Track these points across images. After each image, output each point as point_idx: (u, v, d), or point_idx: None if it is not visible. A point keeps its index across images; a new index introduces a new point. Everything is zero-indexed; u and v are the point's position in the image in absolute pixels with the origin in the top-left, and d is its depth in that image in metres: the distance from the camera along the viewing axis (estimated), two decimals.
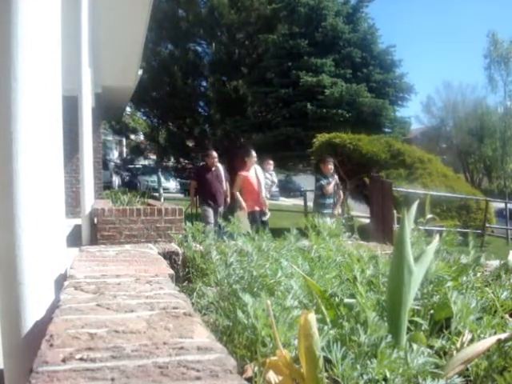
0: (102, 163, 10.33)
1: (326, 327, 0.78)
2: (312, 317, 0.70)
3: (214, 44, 20.68)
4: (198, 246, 1.53)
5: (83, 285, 0.97)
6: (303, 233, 1.71)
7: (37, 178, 1.00)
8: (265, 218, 7.10)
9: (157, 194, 16.46)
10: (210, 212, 7.05)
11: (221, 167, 7.59)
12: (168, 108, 20.47)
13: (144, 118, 25.52)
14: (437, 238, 0.99)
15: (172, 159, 24.85)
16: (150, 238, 4.71)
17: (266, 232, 1.52)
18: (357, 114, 16.23)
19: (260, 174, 7.22)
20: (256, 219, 6.82)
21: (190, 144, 22.38)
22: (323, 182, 7.09)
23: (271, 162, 8.30)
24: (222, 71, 19.90)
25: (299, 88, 16.64)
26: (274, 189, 9.03)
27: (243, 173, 7.08)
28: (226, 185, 7.56)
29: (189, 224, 1.67)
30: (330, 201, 7.11)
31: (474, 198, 11.72)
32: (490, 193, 20.16)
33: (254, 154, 7.15)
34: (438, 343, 0.89)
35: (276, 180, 8.55)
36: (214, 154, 7.54)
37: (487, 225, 11.55)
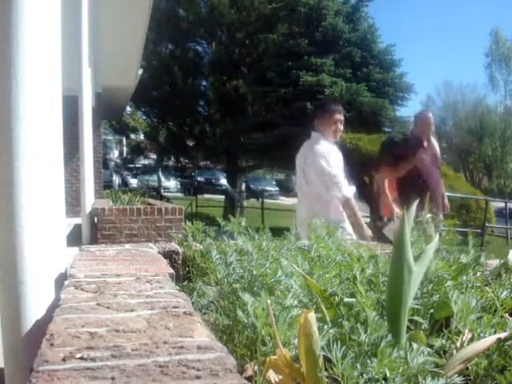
0: (103, 163, 10.34)
1: (325, 326, 0.78)
2: (312, 316, 0.70)
3: (213, 43, 20.66)
4: (198, 245, 1.52)
5: (83, 284, 0.98)
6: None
7: (37, 176, 1.00)
8: None
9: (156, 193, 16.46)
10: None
11: (434, 141, 4.31)
12: (168, 107, 20.45)
13: (144, 117, 25.52)
14: (436, 237, 1.00)
15: (172, 158, 24.85)
16: (150, 238, 4.72)
17: None
18: (357, 114, 16.21)
19: None
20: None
21: (191, 143, 22.37)
22: None
23: None
24: (221, 71, 19.88)
25: (299, 87, 16.63)
26: None
27: None
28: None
29: (189, 223, 1.66)
30: None
31: (474, 198, 11.72)
32: (489, 192, 20.17)
33: None
34: (437, 342, 0.89)
35: None
36: (431, 116, 4.17)
37: (487, 224, 11.54)
